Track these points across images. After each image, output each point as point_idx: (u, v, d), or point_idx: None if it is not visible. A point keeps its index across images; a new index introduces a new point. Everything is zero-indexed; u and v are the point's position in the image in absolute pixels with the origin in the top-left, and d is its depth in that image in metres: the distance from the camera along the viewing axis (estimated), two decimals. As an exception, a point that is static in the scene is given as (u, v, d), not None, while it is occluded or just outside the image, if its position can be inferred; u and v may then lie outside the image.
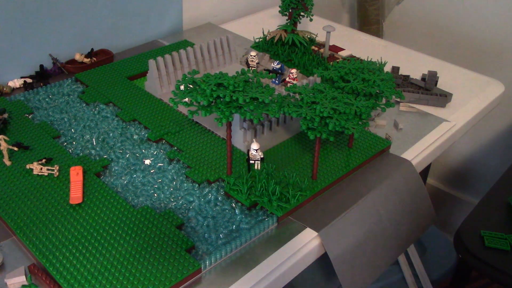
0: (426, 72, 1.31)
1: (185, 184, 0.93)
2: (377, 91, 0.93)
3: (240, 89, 0.84)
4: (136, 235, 0.81)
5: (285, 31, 1.31)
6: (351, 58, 1.33)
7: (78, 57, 1.30)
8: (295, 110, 0.86)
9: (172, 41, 1.45)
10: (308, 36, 1.36)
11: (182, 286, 0.76)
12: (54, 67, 1.27)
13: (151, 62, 1.14)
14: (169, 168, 0.97)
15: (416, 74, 1.32)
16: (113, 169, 0.96)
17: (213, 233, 0.83)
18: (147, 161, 0.98)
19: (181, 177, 0.95)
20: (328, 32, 1.29)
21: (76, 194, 0.88)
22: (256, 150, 0.91)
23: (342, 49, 1.39)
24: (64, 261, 0.76)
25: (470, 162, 2.10)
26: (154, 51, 1.36)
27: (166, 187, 0.92)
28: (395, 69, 1.33)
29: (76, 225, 0.83)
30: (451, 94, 1.23)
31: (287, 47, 1.31)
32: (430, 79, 1.26)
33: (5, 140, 0.95)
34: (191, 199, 0.90)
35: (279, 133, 1.06)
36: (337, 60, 1.27)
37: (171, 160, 0.99)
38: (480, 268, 1.23)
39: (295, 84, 0.94)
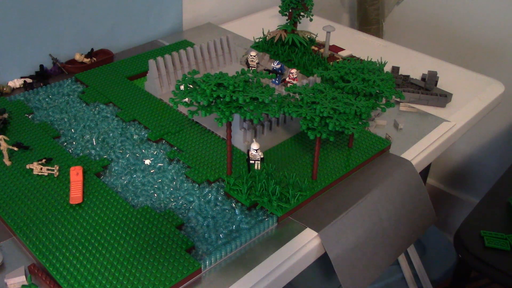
0: (426, 72, 1.31)
1: (185, 184, 0.93)
2: (377, 91, 0.93)
3: (240, 89, 0.84)
4: (136, 235, 0.81)
5: (285, 31, 1.31)
6: (351, 58, 1.33)
7: (78, 57, 1.30)
8: (295, 110, 0.86)
9: (172, 41, 1.45)
10: (308, 36, 1.36)
11: (182, 286, 0.76)
12: (54, 67, 1.27)
13: (151, 62, 1.14)
14: (169, 168, 0.97)
15: (416, 74, 1.32)
16: (113, 169, 0.96)
17: (213, 233, 0.83)
18: (147, 161, 0.98)
19: (181, 177, 0.95)
20: (328, 32, 1.29)
21: (76, 194, 0.88)
22: (256, 150, 0.91)
23: (342, 49, 1.39)
24: (64, 261, 0.76)
25: (470, 162, 2.10)
26: (154, 51, 1.36)
27: (166, 187, 0.92)
28: (395, 69, 1.33)
29: (76, 225, 0.83)
30: (451, 94, 1.23)
31: (287, 47, 1.31)
32: (430, 79, 1.26)
33: (5, 140, 0.95)
34: (191, 199, 0.90)
35: (279, 133, 1.06)
36: (337, 60, 1.27)
37: (171, 160, 0.99)
38: (480, 268, 1.23)
39: (295, 84, 0.94)
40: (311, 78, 1.09)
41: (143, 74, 1.26)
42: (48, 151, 0.99)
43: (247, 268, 0.78)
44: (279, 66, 1.18)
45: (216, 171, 0.96)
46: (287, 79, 1.15)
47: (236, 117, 0.98)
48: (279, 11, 1.31)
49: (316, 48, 1.36)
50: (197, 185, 0.93)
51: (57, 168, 0.93)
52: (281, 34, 1.31)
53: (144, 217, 0.84)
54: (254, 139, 0.95)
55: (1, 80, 1.21)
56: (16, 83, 1.21)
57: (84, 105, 1.15)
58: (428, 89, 1.24)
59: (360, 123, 0.86)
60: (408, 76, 1.29)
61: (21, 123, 1.07)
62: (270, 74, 0.91)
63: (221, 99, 0.84)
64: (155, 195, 0.91)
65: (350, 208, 0.90)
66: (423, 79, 1.29)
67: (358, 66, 0.97)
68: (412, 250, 1.65)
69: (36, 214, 0.85)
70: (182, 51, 1.19)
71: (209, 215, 0.87)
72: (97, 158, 0.99)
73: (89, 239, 0.80)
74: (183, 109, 1.13)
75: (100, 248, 0.78)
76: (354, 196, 0.93)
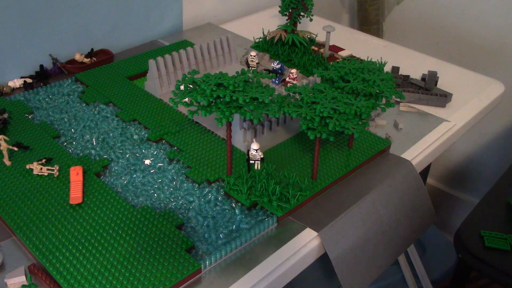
0: (426, 72, 1.31)
1: (185, 184, 0.93)
2: (377, 91, 0.93)
3: (240, 89, 0.84)
4: (136, 235, 0.81)
5: (285, 31, 1.31)
6: (351, 58, 1.33)
7: (78, 57, 1.30)
8: (295, 110, 0.86)
9: (172, 41, 1.45)
10: (308, 36, 1.36)
11: (182, 286, 0.76)
12: (54, 67, 1.27)
13: (151, 62, 1.14)
14: (169, 168, 0.97)
15: (416, 74, 1.32)
16: (113, 169, 0.96)
17: (213, 233, 0.83)
18: (147, 161, 0.98)
19: (181, 177, 0.95)
20: (328, 32, 1.29)
21: (76, 194, 0.88)
22: (256, 150, 0.91)
23: (342, 49, 1.39)
24: (64, 261, 0.76)
25: (470, 162, 2.10)
26: (154, 51, 1.36)
27: (166, 187, 0.92)
28: (395, 69, 1.33)
29: (76, 225, 0.83)
30: (451, 94, 1.23)
31: (287, 47, 1.31)
32: (430, 79, 1.26)
33: (5, 140, 0.95)
34: (191, 199, 0.90)
35: (279, 133, 1.06)
36: (337, 60, 1.27)
37: (171, 160, 0.99)
38: (480, 268, 1.24)
39: (295, 84, 0.94)
40: (311, 78, 1.09)
41: (143, 74, 1.26)
42: (48, 151, 0.99)
43: (247, 268, 0.78)
44: (279, 66, 1.18)
45: (216, 171, 0.96)
46: (287, 79, 1.15)
47: (236, 117, 0.98)
48: (279, 11, 1.31)
49: (316, 48, 1.36)
50: (197, 185, 0.93)
51: (57, 168, 0.93)
52: (281, 34, 1.31)
53: (144, 217, 0.84)
54: (254, 139, 0.95)
55: (1, 80, 1.21)
56: (16, 83, 1.21)
57: (84, 105, 1.15)
58: (428, 89, 1.24)
59: (360, 123, 0.86)
60: (408, 76, 1.29)
61: (21, 123, 1.07)
62: (270, 74, 0.91)
63: (221, 99, 0.84)
64: (155, 195, 0.91)
65: (350, 208, 0.90)
66: (423, 79, 1.29)
67: (358, 66, 0.97)
68: (412, 250, 1.65)
69: (36, 214, 0.85)
70: (182, 51, 1.19)
71: (209, 215, 0.87)
72: (97, 158, 0.99)
73: (89, 239, 0.80)
74: (183, 109, 1.13)
75: (100, 248, 0.78)
76: (354, 196, 0.93)
